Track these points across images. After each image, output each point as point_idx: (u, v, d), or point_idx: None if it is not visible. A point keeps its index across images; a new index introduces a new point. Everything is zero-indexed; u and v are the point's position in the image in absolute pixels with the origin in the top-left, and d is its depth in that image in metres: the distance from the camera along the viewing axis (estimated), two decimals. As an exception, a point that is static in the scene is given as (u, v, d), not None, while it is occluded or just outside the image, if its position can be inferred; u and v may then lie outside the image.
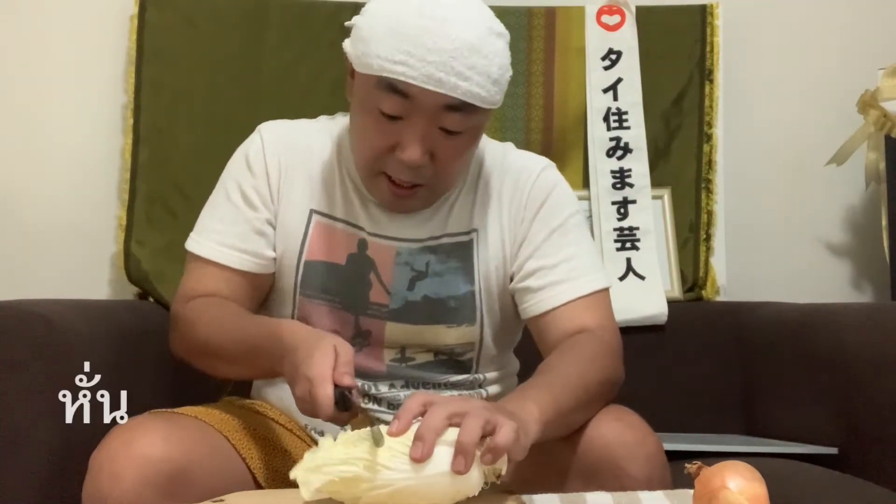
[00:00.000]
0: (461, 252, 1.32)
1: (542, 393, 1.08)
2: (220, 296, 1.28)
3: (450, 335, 1.31)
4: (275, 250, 1.31)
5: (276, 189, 1.31)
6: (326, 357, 1.05)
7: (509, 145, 1.40)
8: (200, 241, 1.31)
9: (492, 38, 1.18)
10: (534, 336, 1.33)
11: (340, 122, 1.36)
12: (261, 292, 1.33)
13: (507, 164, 1.35)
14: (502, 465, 0.95)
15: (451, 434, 0.94)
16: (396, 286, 1.30)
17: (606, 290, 1.32)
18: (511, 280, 1.33)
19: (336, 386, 1.04)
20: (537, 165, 1.36)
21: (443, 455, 0.93)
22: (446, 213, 1.32)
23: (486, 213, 1.33)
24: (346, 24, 1.24)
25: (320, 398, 1.03)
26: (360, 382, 1.29)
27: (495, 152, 1.37)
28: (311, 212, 1.31)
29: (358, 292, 1.30)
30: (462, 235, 1.32)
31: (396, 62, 1.14)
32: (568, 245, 1.31)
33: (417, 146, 1.19)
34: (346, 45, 1.23)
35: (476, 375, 1.35)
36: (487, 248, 1.32)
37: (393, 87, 1.16)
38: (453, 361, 1.33)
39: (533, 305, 1.30)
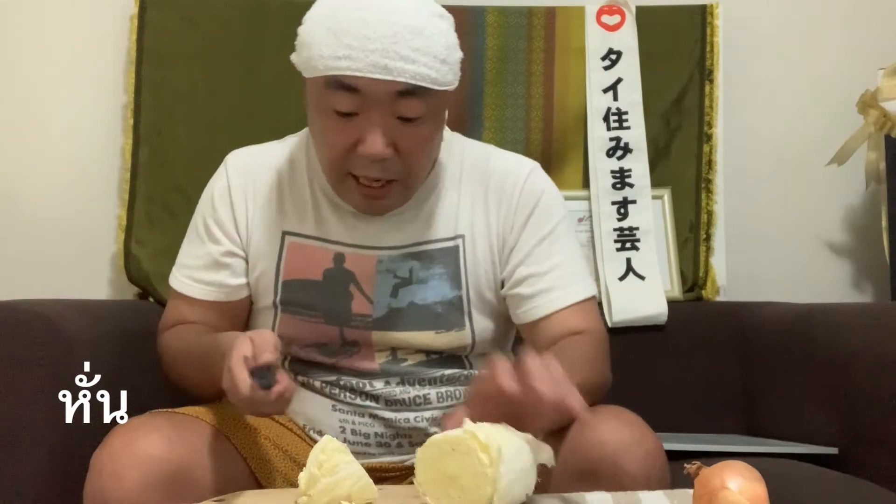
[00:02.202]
0: (447, 258, 1.32)
1: None
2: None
3: (439, 341, 1.31)
4: (247, 276, 1.33)
5: (245, 219, 1.33)
6: (241, 348, 1.06)
7: (491, 147, 1.40)
8: (175, 276, 1.37)
9: (433, 19, 1.18)
10: (524, 338, 1.35)
11: (308, 137, 1.36)
12: (237, 318, 1.36)
13: (490, 167, 1.35)
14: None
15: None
16: (379, 294, 1.30)
17: (594, 296, 1.35)
18: (502, 285, 1.33)
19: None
20: (523, 169, 1.36)
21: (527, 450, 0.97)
22: (427, 218, 1.32)
23: (472, 217, 1.33)
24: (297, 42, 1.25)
25: (237, 381, 1.03)
26: (355, 381, 1.29)
27: (477, 154, 1.37)
28: (284, 234, 1.32)
29: (339, 305, 1.30)
30: (447, 241, 1.32)
31: (340, 58, 1.15)
32: (558, 252, 1.33)
33: (377, 137, 1.18)
34: (293, 57, 1.24)
35: (471, 371, 1.35)
36: (476, 253, 1.32)
37: (341, 84, 1.17)
38: (445, 359, 1.34)
39: (525, 312, 1.32)
